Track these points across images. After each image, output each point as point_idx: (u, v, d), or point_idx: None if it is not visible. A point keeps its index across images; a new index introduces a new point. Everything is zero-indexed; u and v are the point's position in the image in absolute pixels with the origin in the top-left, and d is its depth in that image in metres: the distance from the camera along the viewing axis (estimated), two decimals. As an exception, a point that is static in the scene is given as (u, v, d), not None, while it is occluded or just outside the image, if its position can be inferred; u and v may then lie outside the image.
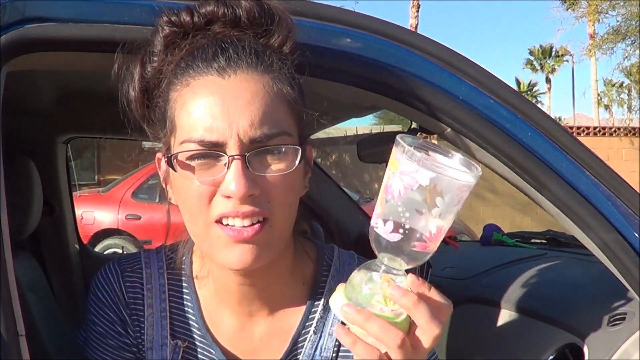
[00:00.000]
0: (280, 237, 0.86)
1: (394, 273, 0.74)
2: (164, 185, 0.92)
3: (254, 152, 0.81)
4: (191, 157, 0.81)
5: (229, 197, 0.80)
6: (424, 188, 0.68)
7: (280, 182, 0.83)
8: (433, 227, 0.70)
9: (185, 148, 0.81)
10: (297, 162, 0.84)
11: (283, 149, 0.83)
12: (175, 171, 0.82)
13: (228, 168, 0.80)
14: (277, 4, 0.88)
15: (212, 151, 0.81)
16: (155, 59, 0.87)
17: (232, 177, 0.79)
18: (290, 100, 0.85)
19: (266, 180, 0.81)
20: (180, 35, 0.86)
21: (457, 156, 0.72)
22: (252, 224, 0.81)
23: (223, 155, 0.80)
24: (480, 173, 0.71)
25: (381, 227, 0.72)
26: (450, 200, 0.69)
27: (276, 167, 0.82)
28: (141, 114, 0.90)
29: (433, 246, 0.72)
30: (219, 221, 0.82)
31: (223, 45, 0.83)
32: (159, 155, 0.91)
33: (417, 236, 0.70)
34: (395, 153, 0.70)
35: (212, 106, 0.80)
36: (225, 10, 0.85)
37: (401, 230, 0.70)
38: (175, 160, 0.82)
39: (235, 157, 0.79)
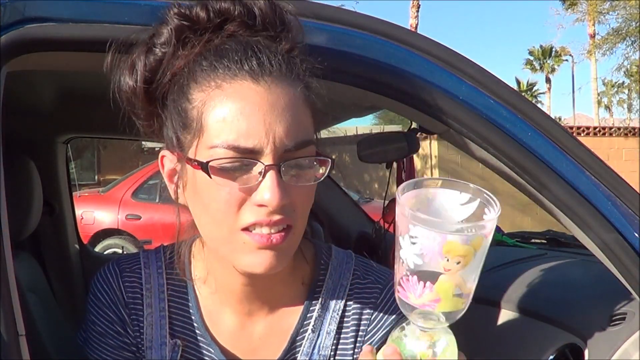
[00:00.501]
0: (297, 242, 0.87)
1: (428, 330, 0.72)
2: (168, 184, 0.90)
3: (288, 162, 0.80)
4: (224, 163, 0.79)
5: (261, 205, 0.80)
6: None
7: (305, 192, 0.84)
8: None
9: (218, 153, 0.79)
10: (326, 173, 0.84)
11: (315, 162, 0.83)
12: (210, 177, 0.80)
13: (263, 177, 0.79)
14: (287, 4, 0.87)
15: (248, 159, 0.79)
16: (163, 50, 0.84)
17: (267, 187, 0.78)
18: (311, 107, 0.85)
19: (294, 190, 0.82)
20: (191, 30, 0.84)
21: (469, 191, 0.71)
22: (278, 231, 0.82)
23: (257, 163, 0.79)
24: (497, 212, 0.68)
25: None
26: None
27: (305, 178, 0.83)
28: (144, 110, 0.88)
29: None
30: (246, 228, 0.82)
31: (254, 49, 0.82)
32: (164, 153, 0.89)
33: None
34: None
35: (249, 112, 0.79)
36: (241, 10, 0.83)
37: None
38: (208, 165, 0.80)
39: (271, 166, 0.79)
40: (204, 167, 0.80)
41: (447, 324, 0.72)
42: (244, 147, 0.79)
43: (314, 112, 0.85)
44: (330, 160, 0.84)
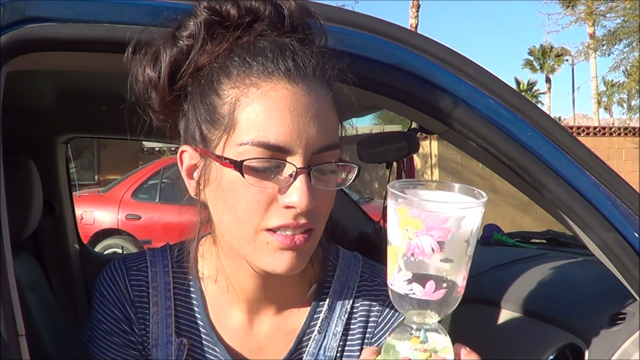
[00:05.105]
0: (315, 245, 0.88)
1: (427, 329, 0.71)
2: (187, 181, 0.88)
3: (317, 167, 0.81)
4: (257, 163, 0.79)
5: (289, 207, 0.80)
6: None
7: (329, 196, 0.85)
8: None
9: (247, 150, 0.79)
10: (349, 179, 0.85)
11: (338, 166, 0.84)
12: (244, 176, 0.79)
13: (294, 179, 0.79)
14: (314, 7, 0.87)
15: (280, 159, 0.79)
16: (188, 43, 0.83)
17: (298, 189, 0.79)
18: (338, 111, 0.85)
19: (319, 194, 0.82)
20: (220, 26, 0.83)
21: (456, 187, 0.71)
22: (301, 232, 0.82)
23: (288, 165, 0.79)
24: (483, 199, 0.68)
25: (420, 290, 0.69)
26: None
27: (330, 183, 0.84)
28: (162, 103, 0.86)
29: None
30: (270, 229, 0.82)
31: (290, 49, 0.82)
32: (184, 148, 0.87)
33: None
34: (407, 212, 0.68)
35: (283, 112, 0.79)
36: (271, 10, 0.83)
37: (445, 285, 0.68)
38: (242, 164, 0.79)
39: (303, 169, 0.79)
40: (238, 165, 0.79)
41: (439, 319, 0.71)
42: (274, 145, 0.78)
43: (339, 116, 0.86)
44: (357, 167, 0.85)
